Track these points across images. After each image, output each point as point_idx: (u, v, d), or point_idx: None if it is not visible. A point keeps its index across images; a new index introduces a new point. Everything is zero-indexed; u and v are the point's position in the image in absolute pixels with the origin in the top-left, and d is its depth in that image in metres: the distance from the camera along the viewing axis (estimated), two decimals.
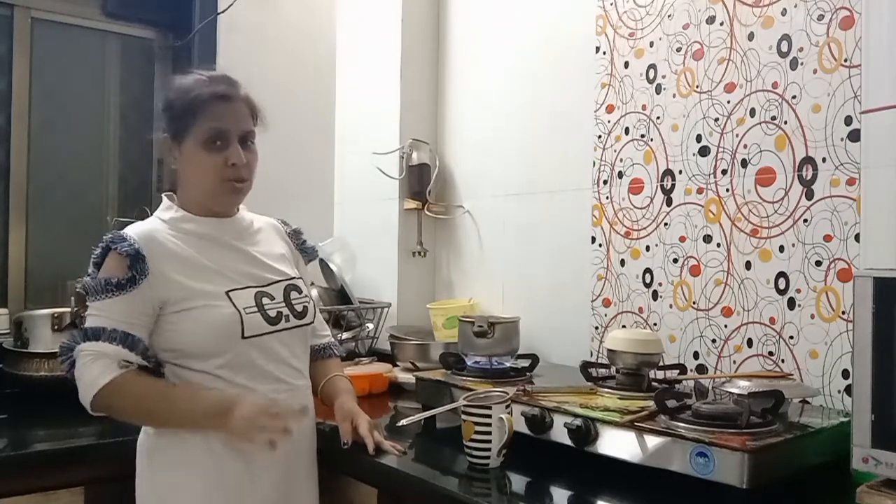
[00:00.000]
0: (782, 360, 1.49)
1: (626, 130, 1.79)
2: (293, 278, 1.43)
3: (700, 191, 1.64)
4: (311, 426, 1.42)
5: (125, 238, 1.29)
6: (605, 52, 1.84)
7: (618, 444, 1.20)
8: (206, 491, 1.28)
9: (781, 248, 1.49)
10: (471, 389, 1.41)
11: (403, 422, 1.43)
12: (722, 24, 1.60)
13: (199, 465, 1.28)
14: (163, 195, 1.41)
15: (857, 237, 1.38)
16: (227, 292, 1.31)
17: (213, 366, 1.29)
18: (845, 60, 1.40)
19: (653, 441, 1.15)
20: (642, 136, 1.76)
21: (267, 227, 1.49)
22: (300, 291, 1.42)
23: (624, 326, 1.78)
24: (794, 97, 1.48)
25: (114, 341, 1.23)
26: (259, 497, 1.31)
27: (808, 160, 1.46)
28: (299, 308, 1.40)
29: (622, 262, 1.80)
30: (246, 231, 1.42)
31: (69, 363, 1.26)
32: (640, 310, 1.75)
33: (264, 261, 1.40)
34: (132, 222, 1.36)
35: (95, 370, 1.23)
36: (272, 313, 1.34)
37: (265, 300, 1.35)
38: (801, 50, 1.47)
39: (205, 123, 1.31)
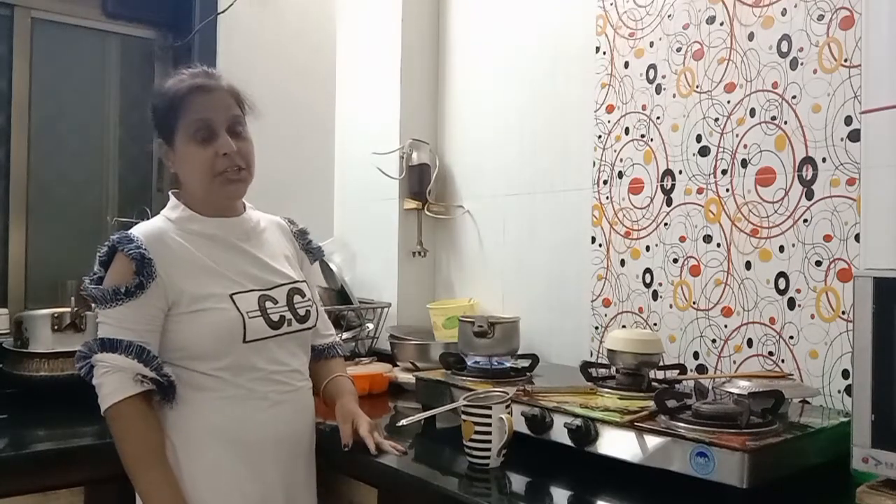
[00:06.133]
0: (782, 360, 1.49)
1: (626, 130, 1.79)
2: (297, 281, 1.42)
3: (700, 191, 1.64)
4: (311, 428, 1.42)
5: (132, 240, 1.28)
6: (605, 52, 1.84)
7: (618, 444, 1.20)
8: (205, 492, 1.28)
9: (781, 248, 1.49)
10: (471, 389, 1.41)
11: (403, 422, 1.43)
12: (722, 24, 1.60)
13: (198, 466, 1.28)
14: (169, 193, 1.41)
15: (857, 237, 1.38)
16: (231, 295, 1.31)
17: (214, 367, 1.29)
18: (845, 60, 1.40)
19: (653, 441, 1.15)
20: (642, 136, 1.76)
21: (273, 227, 1.48)
22: (303, 295, 1.42)
23: (624, 326, 1.78)
24: (794, 97, 1.48)
25: (129, 354, 1.23)
26: (258, 498, 1.31)
27: (808, 160, 1.46)
28: (302, 312, 1.40)
29: (622, 262, 1.80)
30: (252, 231, 1.42)
31: (87, 368, 1.26)
32: (640, 310, 1.75)
33: (269, 263, 1.40)
34: (132, 222, 1.36)
35: (110, 385, 1.24)
36: (275, 317, 1.34)
37: (268, 304, 1.34)
38: (801, 50, 1.47)
39: (188, 117, 1.31)
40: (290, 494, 1.35)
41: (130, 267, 1.26)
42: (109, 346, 1.24)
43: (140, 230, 1.32)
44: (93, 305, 1.29)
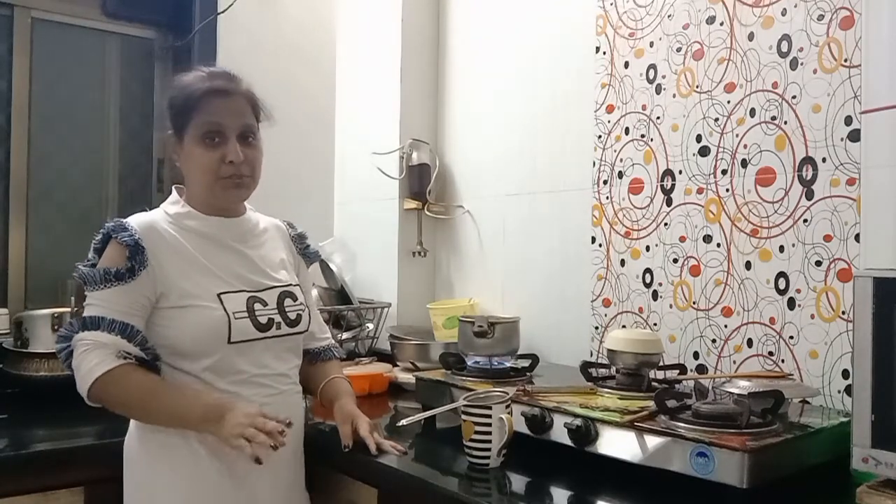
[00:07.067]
0: (782, 360, 1.49)
1: (626, 130, 1.79)
2: (289, 285, 1.42)
3: (700, 191, 1.64)
4: (297, 431, 1.41)
5: (126, 228, 1.28)
6: (605, 52, 1.84)
7: (618, 444, 1.20)
8: (190, 494, 1.27)
9: (781, 248, 1.49)
10: (471, 389, 1.41)
11: (403, 422, 1.43)
12: (722, 24, 1.60)
13: (180, 472, 1.27)
14: (173, 187, 1.41)
15: (857, 237, 1.38)
16: (218, 294, 1.30)
17: (197, 367, 1.28)
18: (845, 60, 1.40)
19: (653, 441, 1.15)
20: (642, 136, 1.76)
21: (272, 230, 1.48)
22: (295, 299, 1.41)
23: (624, 326, 1.78)
24: (794, 97, 1.48)
25: (112, 331, 1.23)
26: (244, 500, 1.30)
27: (808, 160, 1.46)
28: (293, 316, 1.39)
29: (622, 262, 1.80)
30: (250, 233, 1.42)
31: (66, 353, 1.25)
32: (640, 310, 1.75)
33: (261, 266, 1.39)
34: None
35: (93, 360, 1.22)
36: (263, 320, 1.34)
37: (257, 306, 1.34)
38: (801, 50, 1.47)
39: (201, 119, 1.31)
40: (277, 498, 1.35)
41: (123, 253, 1.26)
42: (91, 324, 1.24)
43: (135, 220, 1.32)
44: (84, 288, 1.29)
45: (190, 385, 1.27)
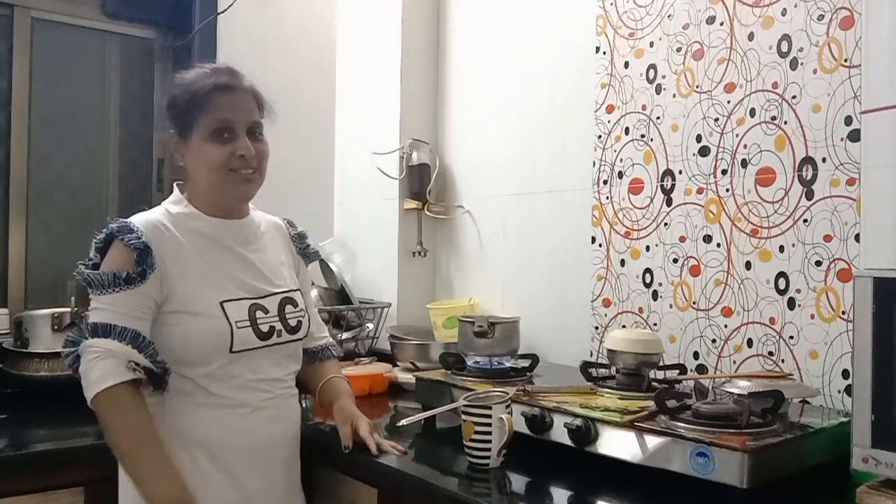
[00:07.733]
0: (782, 360, 1.49)
1: (626, 130, 1.79)
2: (290, 290, 1.41)
3: (700, 191, 1.64)
4: (292, 434, 1.41)
5: (132, 229, 1.27)
6: (605, 52, 1.84)
7: (618, 444, 1.20)
8: None
9: (781, 248, 1.49)
10: (471, 389, 1.41)
11: (403, 422, 1.43)
12: (722, 24, 1.60)
13: (179, 471, 1.26)
14: (174, 184, 1.39)
15: (857, 237, 1.38)
16: (221, 303, 1.29)
17: (196, 373, 1.27)
18: (845, 60, 1.40)
19: (653, 441, 1.15)
20: (642, 136, 1.76)
21: (272, 230, 1.47)
22: (296, 305, 1.40)
23: (624, 326, 1.78)
24: (794, 97, 1.48)
25: (123, 340, 1.20)
26: (240, 502, 1.30)
27: (808, 160, 1.46)
28: (293, 323, 1.38)
29: (622, 262, 1.80)
30: (252, 235, 1.40)
31: (73, 357, 1.23)
32: (640, 310, 1.75)
33: (263, 271, 1.38)
34: None
35: (102, 370, 1.19)
36: (264, 328, 1.33)
37: (259, 313, 1.33)
38: (801, 50, 1.47)
39: (209, 116, 1.30)
40: (273, 500, 1.34)
41: (131, 256, 1.24)
42: (102, 331, 1.21)
43: (140, 221, 1.30)
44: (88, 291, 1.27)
45: (172, 463, 1.21)
